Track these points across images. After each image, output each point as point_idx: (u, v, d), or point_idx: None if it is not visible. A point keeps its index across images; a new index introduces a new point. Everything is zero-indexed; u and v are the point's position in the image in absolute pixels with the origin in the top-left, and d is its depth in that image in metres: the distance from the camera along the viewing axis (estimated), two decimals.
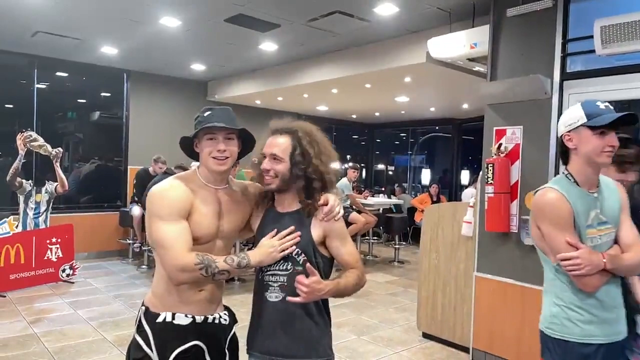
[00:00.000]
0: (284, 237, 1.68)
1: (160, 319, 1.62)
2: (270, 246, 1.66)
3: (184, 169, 5.81)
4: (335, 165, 1.83)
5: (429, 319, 4.45)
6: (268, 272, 1.72)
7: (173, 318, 1.63)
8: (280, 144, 1.72)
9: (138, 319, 1.69)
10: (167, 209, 1.58)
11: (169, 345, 1.60)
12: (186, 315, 1.64)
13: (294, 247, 1.70)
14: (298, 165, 1.70)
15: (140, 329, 1.65)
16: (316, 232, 1.73)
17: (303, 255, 1.70)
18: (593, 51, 3.31)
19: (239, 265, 1.59)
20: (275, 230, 1.72)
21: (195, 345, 1.64)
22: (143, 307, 1.68)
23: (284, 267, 1.70)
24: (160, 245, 1.57)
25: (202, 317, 1.67)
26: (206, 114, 1.69)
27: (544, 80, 3.52)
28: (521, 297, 3.67)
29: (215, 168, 1.69)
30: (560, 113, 3.54)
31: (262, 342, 1.73)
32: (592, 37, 3.27)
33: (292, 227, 1.70)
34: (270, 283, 1.71)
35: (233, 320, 1.81)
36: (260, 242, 1.70)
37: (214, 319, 1.71)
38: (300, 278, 1.58)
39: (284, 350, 1.69)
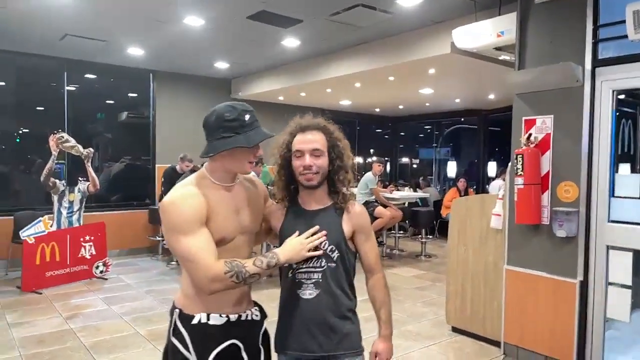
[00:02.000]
0: (312, 235, 1.69)
1: (195, 321, 1.62)
2: (299, 243, 1.67)
3: None
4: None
5: (458, 313, 4.41)
6: (301, 270, 1.72)
7: (208, 319, 1.62)
8: (318, 139, 1.75)
9: (173, 322, 1.68)
10: (184, 222, 1.53)
11: (207, 346, 1.61)
12: (220, 315, 1.64)
13: (327, 242, 1.71)
14: (335, 159, 1.76)
15: (176, 332, 1.64)
16: (347, 227, 1.76)
17: (337, 251, 1.72)
18: (626, 36, 3.20)
19: (268, 266, 1.59)
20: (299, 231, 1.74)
21: (232, 343, 1.64)
22: (177, 310, 1.67)
23: (318, 264, 1.71)
24: (186, 260, 1.54)
25: (236, 316, 1.67)
26: (247, 117, 1.64)
27: (575, 68, 3.43)
28: (553, 290, 3.60)
29: (249, 171, 1.74)
30: (592, 101, 3.44)
31: (296, 340, 1.73)
32: (624, 22, 3.16)
33: (317, 227, 1.72)
34: (303, 281, 1.72)
35: (263, 315, 1.82)
36: (288, 240, 1.70)
37: (247, 316, 1.72)
38: None
39: (318, 347, 1.69)
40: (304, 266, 1.72)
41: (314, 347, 1.70)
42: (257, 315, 1.76)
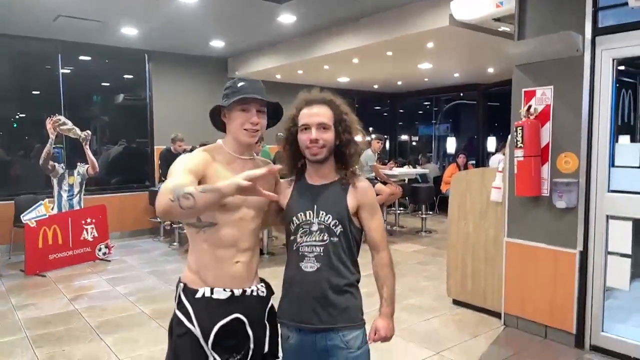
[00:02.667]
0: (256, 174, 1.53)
1: (199, 295, 1.64)
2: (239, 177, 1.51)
3: None
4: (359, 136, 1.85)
5: (459, 286, 4.45)
6: (304, 244, 1.73)
7: (212, 293, 1.64)
8: (324, 113, 1.74)
9: (177, 295, 1.70)
10: (176, 169, 1.58)
11: (211, 319, 1.62)
12: (224, 290, 1.65)
13: (330, 216, 1.72)
14: (342, 133, 1.75)
15: (180, 305, 1.67)
16: (351, 202, 1.75)
17: (340, 226, 1.73)
18: (626, 4, 3.15)
19: (204, 190, 1.46)
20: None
21: (236, 317, 1.65)
22: (181, 284, 1.69)
23: (320, 238, 1.72)
24: (159, 194, 1.48)
25: (240, 290, 1.68)
26: (239, 84, 1.69)
27: (575, 37, 3.38)
28: (553, 261, 3.62)
29: (247, 140, 1.70)
30: (592, 70, 3.41)
31: (296, 311, 1.75)
32: None
33: (278, 167, 1.73)
34: (306, 254, 1.73)
35: (270, 292, 1.82)
36: (233, 179, 1.54)
37: (252, 291, 1.72)
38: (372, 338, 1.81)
39: (317, 319, 1.71)
40: (306, 239, 1.73)
41: (314, 319, 1.71)
42: (263, 292, 1.77)
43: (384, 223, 1.88)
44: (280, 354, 1.82)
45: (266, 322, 1.76)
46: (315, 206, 1.75)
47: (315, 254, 1.72)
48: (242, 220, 1.69)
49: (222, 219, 1.65)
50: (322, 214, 1.73)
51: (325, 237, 1.72)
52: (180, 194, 1.42)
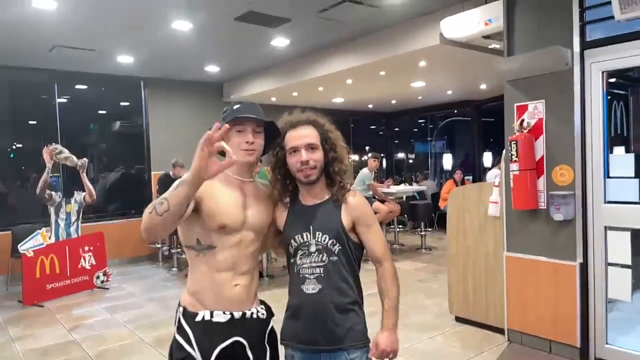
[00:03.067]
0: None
1: (199, 318, 1.63)
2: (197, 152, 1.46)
3: None
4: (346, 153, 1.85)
5: (461, 302, 4.41)
6: (304, 266, 1.73)
7: (212, 316, 1.64)
8: (310, 134, 1.75)
9: (177, 319, 1.70)
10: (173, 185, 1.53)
11: (211, 343, 1.61)
12: (224, 313, 1.65)
13: (327, 237, 1.71)
14: (329, 151, 1.76)
15: (180, 329, 1.66)
16: (346, 219, 1.75)
17: (338, 245, 1.71)
18: (612, 17, 3.21)
19: (173, 188, 1.46)
20: None
21: (237, 341, 1.65)
22: (181, 308, 1.69)
23: (320, 259, 1.72)
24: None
25: (240, 313, 1.68)
26: (235, 107, 1.71)
27: (564, 51, 3.44)
28: (555, 274, 3.61)
29: (245, 159, 1.70)
30: (582, 83, 3.45)
31: (300, 332, 1.74)
32: (610, 2, 3.17)
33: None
34: (306, 276, 1.73)
35: (270, 314, 1.82)
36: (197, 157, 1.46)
37: (252, 314, 1.71)
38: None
39: (323, 340, 1.70)
40: (306, 261, 1.73)
41: (319, 340, 1.70)
42: (263, 314, 1.76)
43: (383, 234, 1.86)
44: None
45: (266, 344, 1.75)
46: (312, 227, 1.74)
47: (315, 275, 1.71)
48: (241, 243, 1.69)
49: (221, 242, 1.65)
50: (319, 234, 1.73)
51: (324, 258, 1.72)
52: (156, 202, 1.45)
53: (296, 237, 1.75)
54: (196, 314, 1.64)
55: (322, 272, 1.71)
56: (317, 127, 1.77)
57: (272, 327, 1.81)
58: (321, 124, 1.79)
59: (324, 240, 1.72)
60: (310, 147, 1.72)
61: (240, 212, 1.69)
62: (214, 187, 1.65)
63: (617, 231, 3.38)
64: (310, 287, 1.71)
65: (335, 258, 1.71)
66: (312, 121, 1.78)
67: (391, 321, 1.77)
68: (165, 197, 1.45)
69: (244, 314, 1.69)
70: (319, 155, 1.74)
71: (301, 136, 1.73)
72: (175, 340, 1.67)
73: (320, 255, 1.71)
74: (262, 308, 1.78)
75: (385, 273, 1.80)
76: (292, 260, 1.78)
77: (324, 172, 1.77)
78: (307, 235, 1.74)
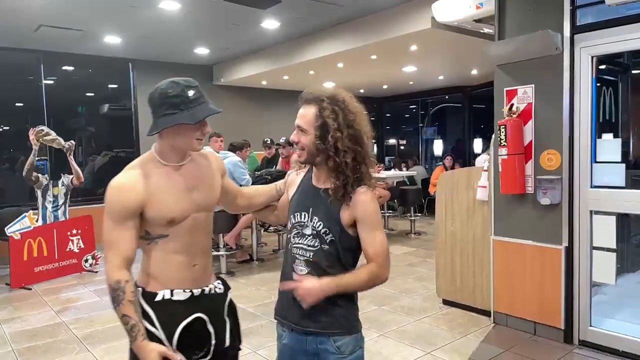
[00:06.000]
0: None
1: (159, 298, 1.64)
2: (150, 352, 1.53)
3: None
4: (368, 140, 1.68)
5: (449, 286, 4.46)
6: (296, 245, 1.71)
7: (172, 295, 1.64)
8: (305, 115, 1.67)
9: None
10: (114, 211, 1.58)
11: (173, 321, 1.62)
12: (184, 291, 1.66)
13: (321, 223, 1.66)
14: (321, 138, 1.62)
15: (141, 310, 1.63)
16: (345, 214, 1.65)
17: (331, 235, 1.65)
18: (602, 2, 3.21)
19: (127, 323, 1.53)
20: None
21: (198, 317, 1.66)
22: (139, 289, 1.65)
23: (312, 243, 1.68)
24: (104, 243, 1.61)
25: (199, 290, 1.69)
26: (190, 93, 1.59)
27: (554, 35, 3.43)
28: (541, 257, 3.65)
29: (199, 147, 1.68)
30: (572, 68, 3.46)
31: (288, 311, 1.73)
32: None
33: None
34: (297, 255, 1.70)
35: (227, 287, 1.84)
36: (152, 347, 1.53)
37: (210, 290, 1.74)
38: (289, 283, 1.64)
39: (308, 322, 1.68)
40: (299, 242, 1.70)
41: (305, 321, 1.69)
42: (220, 289, 1.78)
43: (384, 241, 1.69)
44: (275, 354, 1.82)
45: (225, 317, 1.77)
46: (311, 209, 1.70)
47: (305, 258, 1.69)
48: (195, 225, 1.68)
49: (172, 230, 1.63)
50: (315, 219, 1.68)
51: (316, 244, 1.67)
52: (116, 307, 1.55)
53: (295, 214, 1.73)
54: (155, 294, 1.64)
55: (311, 256, 1.67)
56: (320, 108, 1.65)
57: (231, 299, 1.82)
58: (323, 107, 1.64)
59: (319, 227, 1.67)
60: (300, 129, 1.68)
61: (186, 199, 1.66)
62: (153, 185, 1.60)
63: (603, 215, 3.42)
64: (299, 268, 1.69)
65: (327, 247, 1.66)
66: (319, 100, 1.65)
67: (332, 283, 1.61)
68: (121, 316, 1.55)
69: (202, 290, 1.70)
70: (305, 139, 1.66)
71: (299, 115, 1.69)
72: None
73: (314, 240, 1.68)
74: (218, 283, 1.79)
75: (367, 268, 1.66)
76: (288, 236, 1.77)
77: (334, 160, 1.63)
78: (305, 215, 1.71)
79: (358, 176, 1.64)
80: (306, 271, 1.68)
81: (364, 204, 1.64)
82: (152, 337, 1.59)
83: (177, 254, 1.65)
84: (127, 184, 1.60)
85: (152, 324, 1.61)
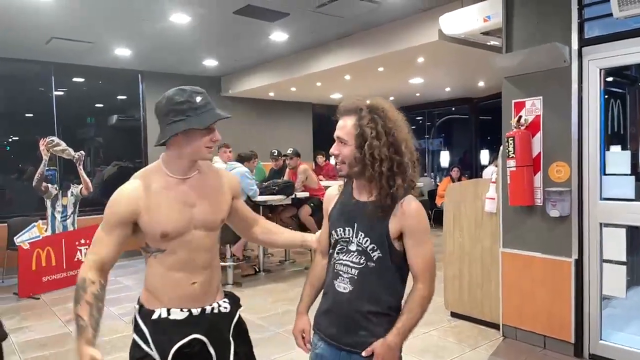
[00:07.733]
0: None
1: (155, 316, 1.59)
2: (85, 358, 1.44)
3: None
4: (410, 146, 1.63)
5: (457, 298, 4.43)
6: (340, 262, 1.65)
7: (168, 314, 1.59)
8: (345, 125, 1.62)
9: (134, 317, 1.65)
10: (107, 215, 1.58)
11: (168, 341, 1.56)
12: (182, 310, 1.59)
13: (368, 240, 1.60)
14: (360, 147, 1.57)
15: (137, 328, 1.61)
16: (394, 226, 1.59)
17: (379, 252, 1.59)
18: (610, 15, 3.22)
19: (77, 323, 1.46)
20: None
21: (195, 338, 1.59)
22: (137, 305, 1.64)
23: (357, 260, 1.62)
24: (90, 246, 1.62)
25: (199, 309, 1.62)
26: (198, 99, 1.56)
27: (562, 48, 3.44)
28: (551, 270, 3.62)
29: (209, 156, 1.64)
30: (580, 80, 3.46)
31: (326, 325, 1.69)
32: (608, 0, 3.19)
33: None
34: (341, 273, 1.65)
35: (236, 306, 1.74)
36: (89, 352, 1.42)
37: (212, 309, 1.65)
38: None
39: (345, 339, 1.64)
40: (343, 258, 1.64)
41: (342, 338, 1.64)
42: (226, 308, 1.70)
43: (432, 255, 1.64)
44: None
45: (230, 338, 1.68)
46: (356, 225, 1.63)
47: (349, 275, 1.63)
48: (192, 242, 1.62)
49: (169, 245, 1.59)
50: (361, 235, 1.61)
51: (362, 261, 1.61)
52: (74, 306, 1.49)
53: (338, 229, 1.67)
54: (153, 312, 1.59)
55: (356, 274, 1.61)
56: (358, 118, 1.60)
57: (239, 318, 1.74)
58: (362, 117, 1.59)
59: (365, 243, 1.60)
60: (340, 140, 1.62)
61: (183, 214, 1.60)
62: (151, 196, 1.56)
63: (613, 228, 3.40)
64: (342, 286, 1.63)
65: (373, 264, 1.60)
66: (357, 111, 1.61)
67: (396, 339, 1.59)
68: (75, 317, 1.48)
69: (203, 309, 1.63)
70: (347, 150, 1.61)
71: (338, 127, 1.64)
72: (133, 340, 1.62)
73: (360, 257, 1.61)
74: (224, 301, 1.70)
75: (416, 293, 1.62)
76: (330, 251, 1.72)
77: (379, 171, 1.59)
78: (349, 231, 1.64)
79: (402, 185, 1.59)
80: (349, 290, 1.62)
81: (412, 215, 1.59)
82: (145, 357, 1.55)
83: (175, 271, 1.61)
84: (124, 193, 1.58)
85: (147, 343, 1.57)
